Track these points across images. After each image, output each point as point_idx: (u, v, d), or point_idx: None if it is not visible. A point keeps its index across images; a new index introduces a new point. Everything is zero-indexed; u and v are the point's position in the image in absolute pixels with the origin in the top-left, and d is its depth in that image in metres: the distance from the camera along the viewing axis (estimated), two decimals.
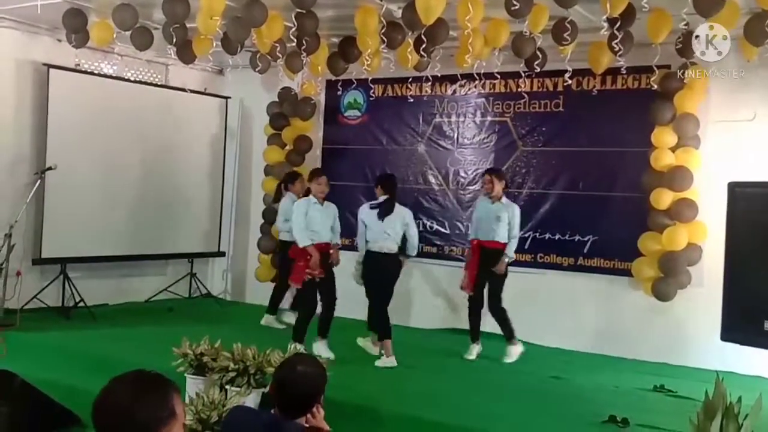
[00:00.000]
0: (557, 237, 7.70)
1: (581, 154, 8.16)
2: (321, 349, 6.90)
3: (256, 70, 7.76)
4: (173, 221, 9.69)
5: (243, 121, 10.53)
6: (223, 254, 10.41)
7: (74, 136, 8.65)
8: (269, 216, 9.75)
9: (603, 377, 6.94)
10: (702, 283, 7.33)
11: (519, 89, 8.11)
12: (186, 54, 7.60)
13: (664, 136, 7.42)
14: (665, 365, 7.43)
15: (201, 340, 5.68)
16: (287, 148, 9.71)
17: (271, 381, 3.48)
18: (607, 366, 7.40)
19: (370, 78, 7.85)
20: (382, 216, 7.10)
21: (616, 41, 6.16)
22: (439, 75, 7.86)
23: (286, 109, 9.68)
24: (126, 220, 9.20)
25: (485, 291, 7.35)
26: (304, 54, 7.12)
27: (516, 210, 7.36)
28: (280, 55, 7.27)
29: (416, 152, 9.18)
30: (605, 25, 6.05)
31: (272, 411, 3.18)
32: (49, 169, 8.16)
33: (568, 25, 6.07)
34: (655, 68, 6.74)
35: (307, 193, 7.57)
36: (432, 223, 9.01)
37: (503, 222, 7.24)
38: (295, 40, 6.85)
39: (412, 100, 8.99)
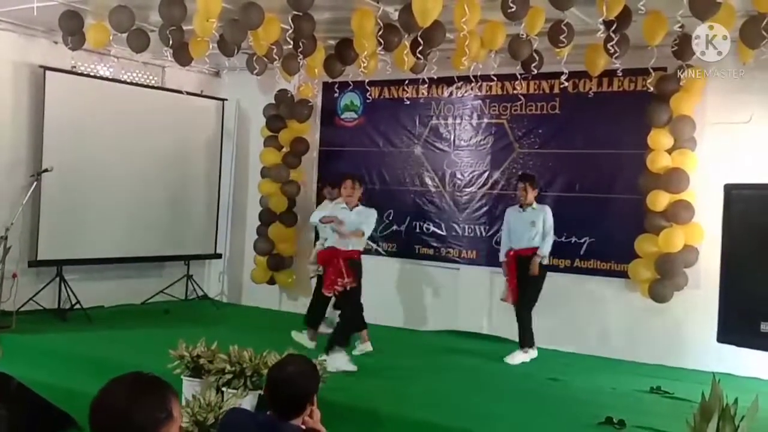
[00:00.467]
0: (554, 239, 7.68)
1: (578, 156, 8.17)
2: (340, 361, 6.65)
3: (253, 72, 7.76)
4: (170, 223, 9.69)
5: (240, 123, 10.52)
6: (219, 256, 10.41)
7: (70, 138, 8.64)
8: (266, 218, 9.76)
9: (600, 379, 6.94)
10: (698, 285, 7.34)
11: (515, 91, 8.11)
12: (182, 56, 7.59)
13: (660, 138, 7.43)
14: (662, 367, 7.43)
15: (197, 342, 5.67)
16: (284, 150, 9.70)
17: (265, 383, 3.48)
18: (604, 368, 7.41)
19: (366, 80, 7.87)
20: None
21: (612, 43, 6.17)
22: (435, 77, 7.88)
23: (282, 111, 9.67)
24: (122, 222, 9.18)
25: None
26: (301, 56, 7.11)
27: (548, 211, 7.35)
28: (277, 58, 7.28)
29: (413, 154, 9.18)
30: (601, 27, 6.06)
31: (268, 413, 3.18)
32: (46, 171, 8.14)
33: (564, 28, 6.07)
34: (651, 70, 6.77)
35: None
36: (429, 225, 9.02)
37: (538, 227, 7.27)
38: (292, 43, 6.84)
39: (408, 103, 8.99)
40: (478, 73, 7.57)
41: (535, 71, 7.15)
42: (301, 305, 9.80)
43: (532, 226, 7.29)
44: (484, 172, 8.73)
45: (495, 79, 8.18)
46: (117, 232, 9.16)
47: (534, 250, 7.30)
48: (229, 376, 5.32)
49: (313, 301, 7.91)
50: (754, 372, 6.90)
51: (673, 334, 7.56)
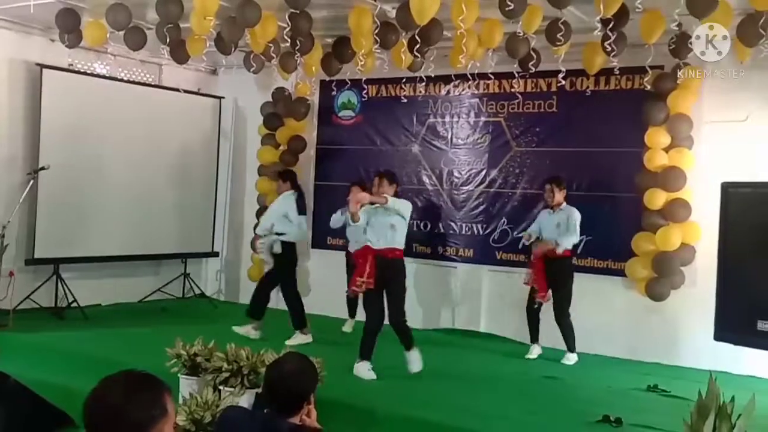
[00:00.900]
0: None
1: (575, 154, 8.17)
2: (361, 370, 6.46)
3: (250, 70, 7.75)
4: (166, 221, 9.68)
5: (237, 122, 10.51)
6: (216, 254, 10.40)
7: (67, 136, 8.62)
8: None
9: (597, 377, 6.95)
10: (695, 283, 7.35)
11: (513, 90, 8.10)
12: (179, 54, 7.59)
13: (657, 137, 7.44)
14: (659, 365, 7.45)
15: (194, 341, 5.67)
16: (281, 148, 9.70)
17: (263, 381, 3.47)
18: (601, 366, 7.42)
19: (364, 78, 7.86)
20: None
21: (609, 42, 6.17)
22: (432, 75, 7.87)
23: (280, 109, 9.67)
24: (119, 220, 9.17)
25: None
26: (298, 54, 7.12)
27: (574, 211, 7.31)
28: (274, 56, 7.27)
29: (410, 152, 9.18)
30: (599, 25, 6.06)
31: (265, 411, 3.18)
32: (42, 169, 8.13)
33: (561, 26, 6.08)
34: (648, 69, 6.76)
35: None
36: (426, 223, 9.02)
37: (562, 228, 7.27)
38: (289, 41, 6.84)
39: (405, 101, 8.99)
40: (476, 71, 7.57)
41: (533, 69, 7.16)
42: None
43: (557, 228, 7.29)
44: (482, 170, 8.73)
45: (492, 77, 8.17)
46: (114, 230, 9.14)
47: (564, 253, 7.32)
48: (226, 375, 5.32)
49: (255, 293, 8.05)
50: (750, 370, 6.91)
51: (670, 332, 7.57)
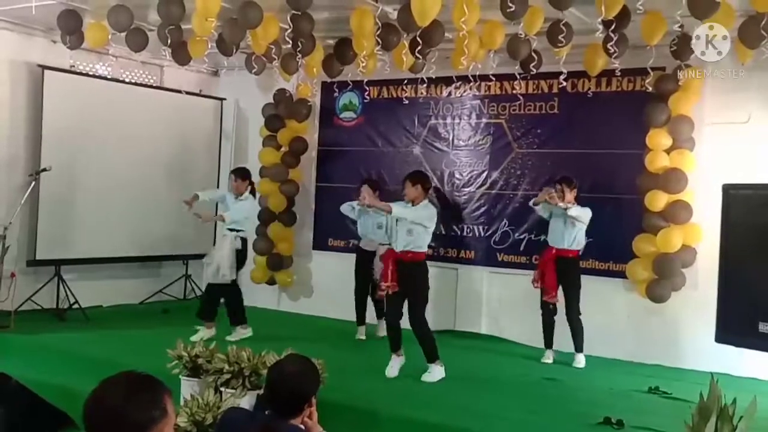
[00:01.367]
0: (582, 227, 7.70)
1: (576, 156, 8.16)
2: (438, 373, 6.53)
3: (252, 71, 7.75)
4: (168, 223, 9.67)
5: (238, 123, 10.51)
6: None
7: (69, 137, 8.63)
8: (264, 217, 9.75)
9: (598, 379, 6.94)
10: (696, 285, 7.34)
11: (514, 91, 8.10)
12: (181, 55, 7.59)
13: (658, 138, 7.43)
14: (660, 367, 7.44)
15: (196, 342, 5.67)
16: (283, 149, 9.70)
17: (265, 382, 3.48)
18: (602, 368, 7.40)
19: (365, 80, 7.86)
20: None
21: (611, 43, 6.16)
22: (434, 77, 7.87)
23: (281, 110, 9.67)
24: (120, 221, 9.18)
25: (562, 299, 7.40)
26: (300, 56, 7.11)
27: (588, 211, 7.27)
28: (276, 57, 7.27)
29: (411, 154, 9.17)
30: (600, 27, 6.06)
31: (266, 412, 3.18)
32: (44, 170, 8.14)
33: (563, 27, 6.07)
34: (649, 70, 6.76)
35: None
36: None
37: (576, 227, 7.25)
38: (291, 42, 6.84)
39: (407, 102, 8.98)
40: (477, 73, 7.57)
41: (534, 71, 7.15)
42: (301, 306, 9.84)
43: (572, 226, 7.26)
44: (483, 171, 8.72)
45: (494, 78, 8.17)
46: (115, 231, 9.15)
47: (574, 253, 7.31)
48: (227, 376, 5.32)
49: (204, 296, 8.24)
50: (752, 372, 6.90)
51: (671, 334, 7.56)
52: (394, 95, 9.26)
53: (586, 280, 7.57)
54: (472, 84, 8.46)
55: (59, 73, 8.55)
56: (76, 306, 8.54)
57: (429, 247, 8.72)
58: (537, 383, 6.73)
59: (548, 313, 7.44)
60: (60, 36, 7.88)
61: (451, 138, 8.96)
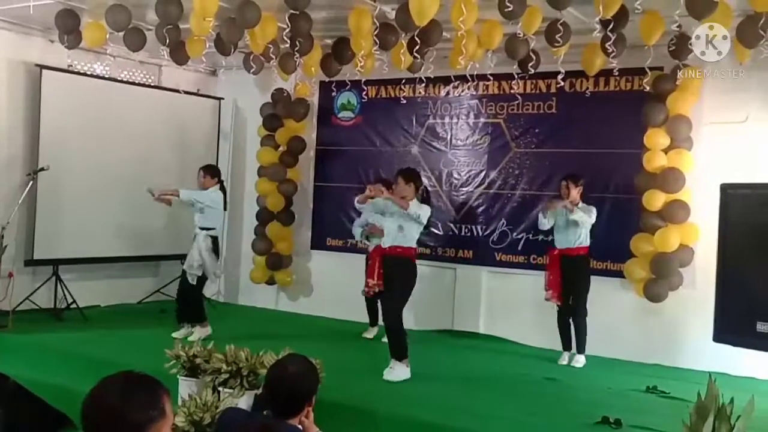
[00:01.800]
0: (550, 238, 7.69)
1: (574, 155, 8.16)
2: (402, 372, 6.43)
3: (250, 71, 7.75)
4: (166, 222, 9.66)
5: (236, 123, 10.51)
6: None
7: (67, 137, 8.63)
8: (263, 217, 9.76)
9: (595, 378, 6.95)
10: (694, 285, 7.35)
11: (512, 91, 8.10)
12: (179, 55, 7.59)
13: (656, 138, 7.44)
14: (658, 366, 7.44)
15: (194, 342, 5.67)
16: (281, 149, 9.70)
17: (263, 382, 3.47)
18: (600, 367, 7.41)
19: (363, 79, 7.85)
20: None
21: (609, 43, 6.17)
22: (432, 76, 7.86)
23: (279, 110, 9.67)
24: (118, 221, 9.17)
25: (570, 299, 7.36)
26: (298, 55, 7.11)
27: (593, 210, 7.27)
28: (274, 57, 7.26)
29: (409, 153, 9.18)
30: (598, 26, 6.06)
31: (265, 412, 3.18)
32: (42, 170, 8.14)
33: (561, 27, 6.08)
34: (647, 70, 6.76)
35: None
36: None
37: (580, 227, 7.23)
38: (289, 42, 6.84)
39: (405, 102, 8.99)
40: (475, 73, 7.56)
41: (532, 71, 7.16)
42: (300, 305, 9.84)
43: (576, 226, 7.23)
44: (481, 171, 8.73)
45: (492, 78, 8.17)
46: (113, 231, 9.14)
47: (580, 251, 7.28)
48: (225, 376, 5.32)
49: (179, 298, 8.14)
50: (750, 372, 6.91)
51: (669, 333, 7.57)
52: (392, 95, 9.26)
53: None
54: (470, 84, 8.47)
55: (57, 72, 8.54)
56: (73, 306, 8.53)
57: (427, 246, 8.84)
58: (535, 383, 6.73)
59: (559, 314, 7.41)
60: (58, 35, 7.87)
61: (449, 138, 8.96)
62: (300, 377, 3.19)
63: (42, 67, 8.44)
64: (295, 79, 8.99)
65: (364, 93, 9.13)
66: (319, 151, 9.88)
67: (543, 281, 7.49)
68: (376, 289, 6.56)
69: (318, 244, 9.77)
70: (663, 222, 7.43)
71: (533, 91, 8.40)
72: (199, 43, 7.32)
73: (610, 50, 6.24)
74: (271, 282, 9.80)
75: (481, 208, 8.72)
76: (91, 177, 8.88)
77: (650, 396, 6.44)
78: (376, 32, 6.63)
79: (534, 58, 6.97)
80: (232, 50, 7.41)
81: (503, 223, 8.56)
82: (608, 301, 7.88)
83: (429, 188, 8.88)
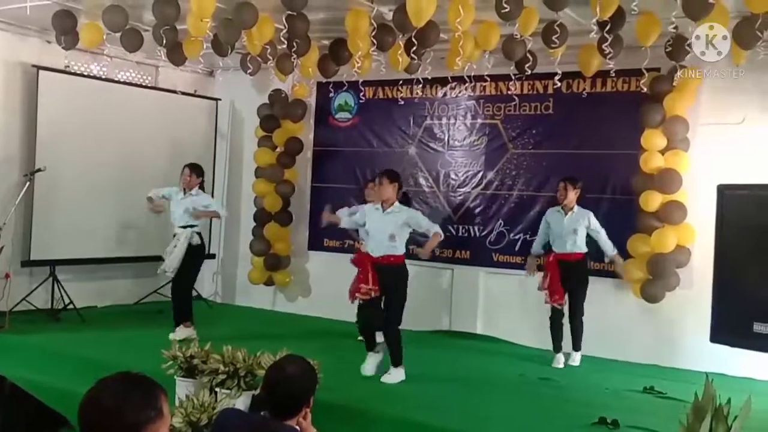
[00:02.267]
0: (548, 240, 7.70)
1: (571, 156, 8.17)
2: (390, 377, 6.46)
3: (247, 72, 7.74)
4: (163, 223, 9.63)
5: (233, 123, 10.51)
6: (213, 256, 10.36)
7: (64, 137, 8.62)
8: (260, 218, 9.76)
9: (593, 379, 6.96)
10: (691, 285, 7.35)
11: (509, 92, 8.12)
12: (176, 56, 7.58)
13: (653, 139, 7.45)
14: (655, 367, 7.45)
15: (191, 343, 5.67)
16: (278, 150, 9.70)
17: (261, 383, 3.47)
18: (597, 368, 7.42)
19: (360, 80, 7.86)
20: None
21: (605, 44, 6.17)
22: (429, 77, 7.84)
23: (276, 111, 9.67)
24: (115, 221, 9.17)
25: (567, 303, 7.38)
26: (295, 56, 7.12)
27: (592, 216, 7.29)
28: (271, 57, 7.26)
29: (407, 154, 9.18)
30: (595, 28, 6.07)
31: (262, 413, 3.18)
32: (39, 170, 8.13)
33: (557, 28, 6.08)
34: (644, 71, 6.77)
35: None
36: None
37: (580, 233, 7.25)
38: (286, 42, 6.84)
39: (402, 103, 8.99)
40: (472, 74, 7.57)
41: (529, 72, 7.15)
42: (297, 306, 9.84)
43: (575, 233, 7.23)
44: (478, 172, 8.74)
45: (489, 79, 8.16)
46: (110, 232, 9.14)
47: (578, 256, 7.29)
48: (222, 377, 5.32)
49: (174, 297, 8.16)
50: (746, 372, 6.91)
51: (666, 334, 7.58)
52: (390, 96, 9.26)
53: None
54: (467, 84, 8.43)
55: (54, 73, 8.53)
56: (71, 306, 8.52)
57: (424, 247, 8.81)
58: (532, 383, 6.74)
59: (554, 316, 7.41)
60: (55, 36, 7.85)
61: (446, 138, 8.96)
62: (298, 378, 3.19)
63: (39, 67, 8.43)
64: (292, 80, 9.00)
65: (362, 94, 9.13)
66: (317, 151, 9.88)
67: (539, 282, 7.49)
68: (372, 294, 6.48)
69: (315, 244, 9.77)
70: (660, 223, 7.44)
71: (530, 92, 8.41)
72: (196, 44, 7.31)
73: (607, 51, 6.25)
74: (269, 283, 9.80)
75: (478, 209, 8.72)
76: (89, 178, 8.87)
77: (647, 396, 6.45)
78: (373, 33, 6.63)
79: (531, 59, 6.97)
80: (230, 51, 7.41)
81: (500, 224, 8.56)
82: (605, 301, 7.89)
83: (426, 189, 8.97)
